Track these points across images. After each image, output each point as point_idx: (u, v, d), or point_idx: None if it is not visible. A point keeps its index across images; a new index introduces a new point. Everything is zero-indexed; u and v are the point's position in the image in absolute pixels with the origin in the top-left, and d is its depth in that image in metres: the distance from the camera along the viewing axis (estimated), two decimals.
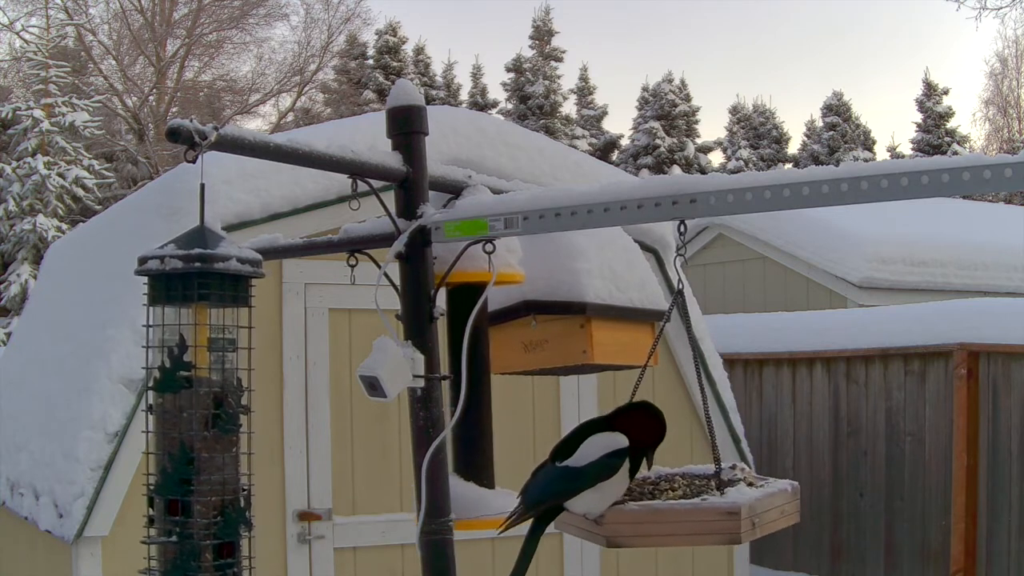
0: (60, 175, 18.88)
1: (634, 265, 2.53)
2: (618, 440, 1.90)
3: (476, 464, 2.27)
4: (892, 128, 71.32)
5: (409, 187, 2.16)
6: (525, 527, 1.96)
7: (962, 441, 6.66)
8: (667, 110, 29.43)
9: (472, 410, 2.19)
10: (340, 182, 2.23)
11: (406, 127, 2.18)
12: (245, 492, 1.78)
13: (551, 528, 1.96)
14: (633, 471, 1.91)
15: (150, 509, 1.76)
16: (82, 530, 4.43)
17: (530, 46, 30.72)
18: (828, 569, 7.61)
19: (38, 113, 19.38)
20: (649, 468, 1.98)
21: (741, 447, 6.26)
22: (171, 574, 1.71)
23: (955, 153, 26.97)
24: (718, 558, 6.19)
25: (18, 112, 19.76)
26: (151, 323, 1.76)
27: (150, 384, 1.75)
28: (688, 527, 1.86)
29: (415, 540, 2.13)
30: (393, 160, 2.14)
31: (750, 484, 1.98)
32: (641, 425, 1.93)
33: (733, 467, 2.04)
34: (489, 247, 2.14)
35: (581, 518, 1.93)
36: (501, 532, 1.95)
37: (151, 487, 1.75)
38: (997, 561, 6.53)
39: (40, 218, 18.30)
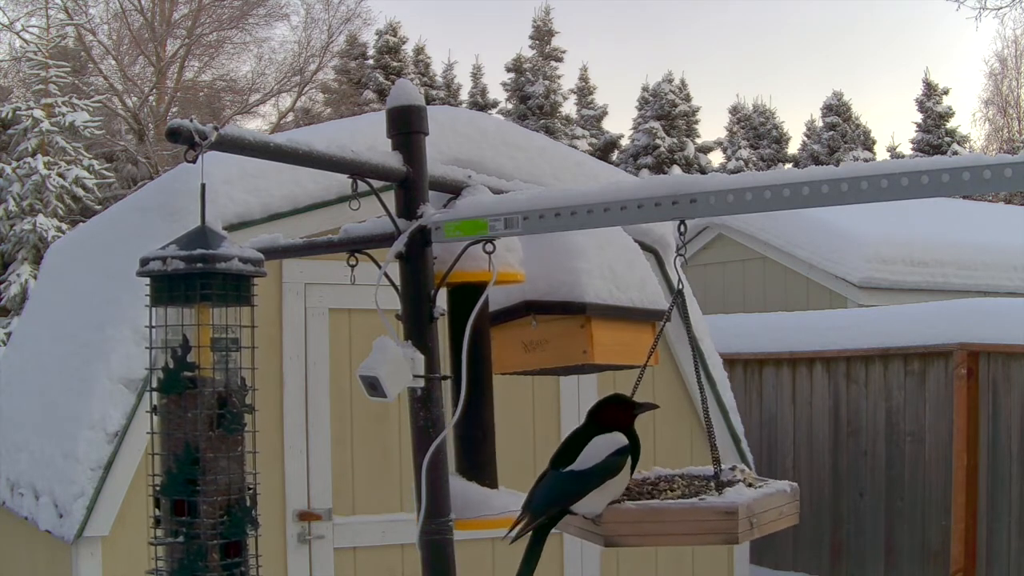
0: (60, 175, 18.85)
1: (634, 265, 2.53)
2: (620, 439, 1.93)
3: (479, 464, 2.27)
4: (892, 128, 71.39)
5: (409, 187, 2.16)
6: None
7: (962, 441, 6.66)
8: (667, 110, 29.42)
9: (474, 409, 2.20)
10: (340, 182, 2.23)
11: (406, 127, 2.18)
12: (251, 491, 1.78)
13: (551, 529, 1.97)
14: (632, 467, 1.93)
15: (156, 510, 1.76)
16: (82, 530, 4.43)
17: (530, 46, 30.75)
18: (828, 569, 7.61)
19: (38, 113, 19.35)
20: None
21: (741, 447, 6.26)
22: (179, 574, 1.71)
23: (955, 153, 26.97)
24: (718, 558, 6.19)
25: (18, 112, 19.71)
26: (154, 324, 1.76)
27: (154, 385, 1.75)
28: (686, 527, 1.86)
29: (415, 540, 2.13)
30: (393, 160, 2.14)
31: (749, 485, 1.98)
32: (620, 418, 1.97)
33: (733, 468, 2.05)
34: (489, 247, 2.14)
35: (580, 518, 1.94)
36: (512, 542, 1.94)
37: (157, 488, 1.75)
38: (997, 561, 6.53)
39: (40, 218, 18.26)
